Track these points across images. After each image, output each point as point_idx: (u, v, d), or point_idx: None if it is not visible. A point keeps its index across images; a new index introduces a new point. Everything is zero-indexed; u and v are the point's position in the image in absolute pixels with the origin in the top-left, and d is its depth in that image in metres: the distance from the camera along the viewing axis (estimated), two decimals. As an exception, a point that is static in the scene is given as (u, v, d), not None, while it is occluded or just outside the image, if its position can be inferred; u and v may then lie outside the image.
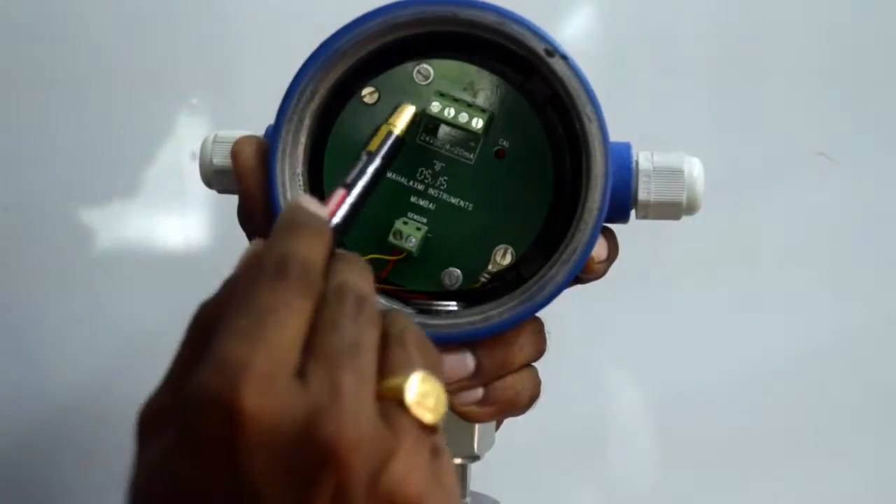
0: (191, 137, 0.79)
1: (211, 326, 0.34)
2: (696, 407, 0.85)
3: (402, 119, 0.46)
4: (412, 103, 0.47)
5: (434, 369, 0.36)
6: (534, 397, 0.49)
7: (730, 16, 0.84)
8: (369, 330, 0.35)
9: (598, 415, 0.86)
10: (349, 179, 0.42)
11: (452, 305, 0.48)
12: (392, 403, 0.34)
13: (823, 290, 0.86)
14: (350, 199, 0.41)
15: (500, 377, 0.48)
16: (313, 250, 0.36)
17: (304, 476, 0.32)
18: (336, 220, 0.40)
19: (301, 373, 0.33)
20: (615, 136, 0.46)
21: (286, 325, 0.34)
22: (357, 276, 0.37)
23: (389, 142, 0.44)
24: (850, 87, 0.85)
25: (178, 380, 0.35)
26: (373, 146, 0.44)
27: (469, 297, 0.48)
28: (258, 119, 0.78)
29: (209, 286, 0.83)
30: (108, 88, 0.78)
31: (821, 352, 0.86)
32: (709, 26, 0.84)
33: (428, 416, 0.35)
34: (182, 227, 0.80)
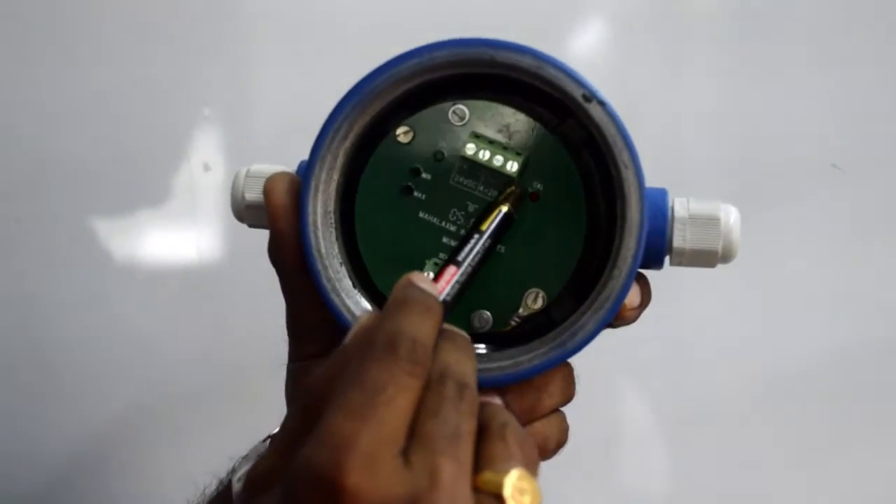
0: (203, 148, 0.78)
1: (321, 398, 0.35)
2: (707, 415, 0.85)
3: (513, 198, 0.46)
4: (447, 143, 0.46)
5: (532, 467, 0.36)
6: (561, 443, 0.48)
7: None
8: (469, 419, 0.36)
9: (608, 425, 0.86)
10: (460, 257, 0.43)
11: (481, 348, 0.47)
12: (489, 496, 0.35)
13: (838, 297, 0.85)
14: (459, 277, 0.42)
15: (528, 423, 0.47)
16: (423, 328, 0.36)
17: None
18: (446, 297, 0.41)
19: (404, 454, 0.34)
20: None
21: (394, 403, 0.34)
22: (461, 359, 0.37)
23: (499, 220, 0.45)
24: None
25: (287, 448, 0.35)
26: (484, 225, 0.44)
27: (499, 339, 0.47)
28: (269, 132, 0.77)
29: (220, 298, 0.82)
30: (120, 98, 0.78)
31: (835, 360, 0.85)
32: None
33: None
34: (194, 239, 0.79)
